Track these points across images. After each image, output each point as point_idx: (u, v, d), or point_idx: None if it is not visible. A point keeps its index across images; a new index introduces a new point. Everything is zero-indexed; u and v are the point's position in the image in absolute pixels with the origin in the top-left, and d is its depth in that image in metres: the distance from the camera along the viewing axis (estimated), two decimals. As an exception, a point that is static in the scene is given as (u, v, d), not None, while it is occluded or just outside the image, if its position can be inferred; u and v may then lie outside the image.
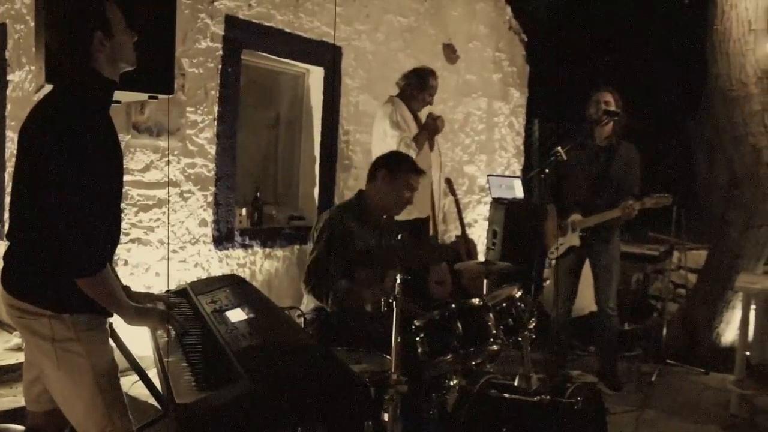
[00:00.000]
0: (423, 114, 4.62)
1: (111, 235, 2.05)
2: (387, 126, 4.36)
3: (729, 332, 4.64)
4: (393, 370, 2.35)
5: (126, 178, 3.86)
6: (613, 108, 4.07)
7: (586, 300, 4.60)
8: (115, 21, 1.99)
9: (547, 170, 3.97)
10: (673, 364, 4.66)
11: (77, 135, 1.86)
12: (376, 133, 4.53)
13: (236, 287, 2.72)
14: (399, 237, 2.73)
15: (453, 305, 2.74)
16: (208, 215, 4.33)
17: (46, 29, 2.01)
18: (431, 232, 5.21)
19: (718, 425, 3.73)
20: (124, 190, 3.78)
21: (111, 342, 2.15)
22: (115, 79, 2.05)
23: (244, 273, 4.52)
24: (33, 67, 3.36)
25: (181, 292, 2.77)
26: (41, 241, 1.90)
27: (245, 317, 2.29)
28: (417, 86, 4.52)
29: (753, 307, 3.93)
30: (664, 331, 4.80)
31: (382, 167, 3.31)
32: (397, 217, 4.54)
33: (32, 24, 3.28)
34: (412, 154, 4.34)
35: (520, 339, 2.89)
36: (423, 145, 4.45)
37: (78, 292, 1.90)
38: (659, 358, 4.64)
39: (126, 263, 3.90)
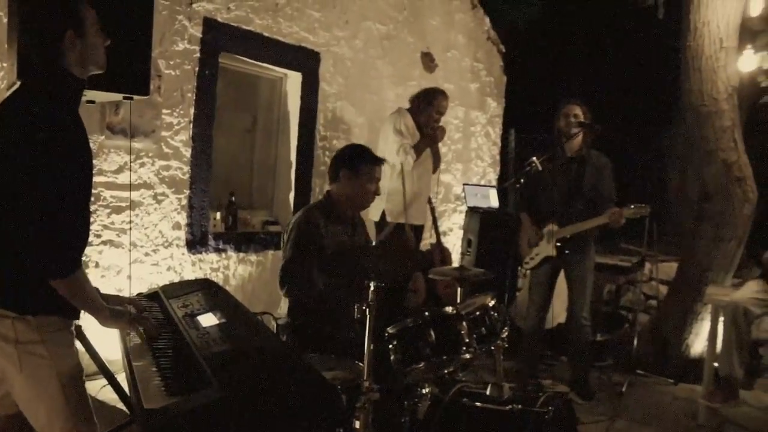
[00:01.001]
0: None
1: (82, 236, 2.01)
2: (390, 132, 4.63)
3: (698, 344, 4.70)
4: (365, 378, 2.34)
5: (99, 179, 3.81)
6: (582, 119, 4.12)
7: (554, 311, 4.63)
8: (89, 22, 1.97)
9: (522, 180, 4.01)
10: (644, 375, 4.71)
11: (45, 134, 1.82)
12: (381, 140, 4.76)
13: (209, 292, 2.69)
14: (374, 243, 2.72)
15: (426, 313, 2.73)
16: (182, 218, 4.28)
17: (18, 25, 1.98)
18: (434, 240, 5.29)
19: (686, 435, 3.78)
20: (96, 191, 3.75)
21: (78, 345, 2.11)
22: (84, 78, 2.02)
23: (218, 277, 4.48)
24: (5, 64, 3.30)
25: (153, 296, 2.73)
26: (12, 242, 1.86)
27: (217, 322, 2.26)
28: (425, 101, 4.71)
29: (721, 319, 3.99)
30: (635, 342, 4.85)
31: (342, 167, 3.27)
32: (391, 219, 4.61)
33: (5, 20, 3.22)
34: (410, 160, 4.49)
35: (492, 348, 2.90)
36: (422, 152, 4.65)
37: (43, 293, 1.85)
38: (630, 368, 4.68)
39: (97, 265, 3.84)
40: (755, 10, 4.68)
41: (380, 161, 3.35)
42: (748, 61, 4.78)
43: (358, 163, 3.26)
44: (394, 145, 4.54)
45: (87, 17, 1.97)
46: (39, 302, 1.89)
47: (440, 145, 4.97)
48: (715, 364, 3.99)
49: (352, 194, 3.28)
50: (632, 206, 3.95)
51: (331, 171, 3.34)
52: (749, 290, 4.01)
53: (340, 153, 3.41)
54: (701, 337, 4.65)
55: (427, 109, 4.67)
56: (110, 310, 2.03)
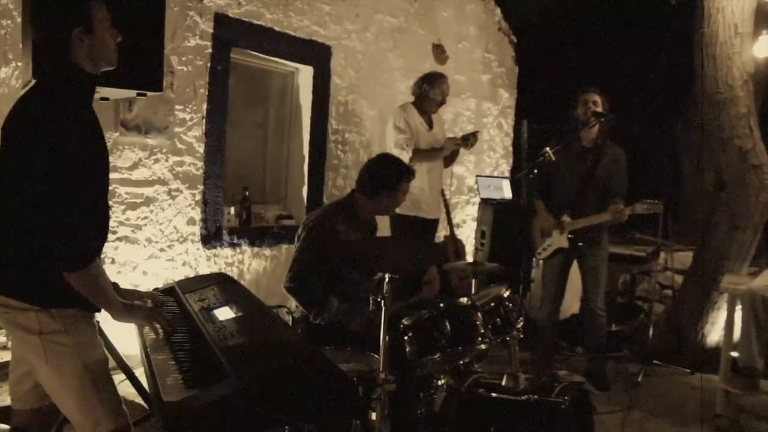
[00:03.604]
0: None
1: (99, 230, 2.03)
2: (390, 128, 4.70)
3: (714, 333, 4.67)
4: (381, 369, 2.35)
5: (114, 175, 3.83)
6: (600, 109, 4.08)
7: (566, 302, 4.61)
8: (99, 19, 1.99)
9: (535, 171, 3.98)
10: (660, 365, 4.68)
11: (60, 128, 1.85)
12: (387, 135, 4.82)
13: (224, 286, 2.70)
14: (390, 236, 2.73)
15: (441, 304, 2.74)
16: (197, 214, 4.31)
17: (30, 23, 2.00)
18: (447, 233, 5.29)
19: (704, 425, 3.75)
20: (111, 187, 3.78)
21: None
22: (96, 73, 2.05)
23: (233, 272, 4.51)
24: (20, 63, 3.33)
25: (169, 291, 2.75)
26: (28, 235, 1.88)
27: (233, 315, 2.28)
28: (424, 84, 4.74)
29: (738, 308, 3.96)
30: (651, 332, 4.83)
31: (384, 188, 3.25)
32: (401, 212, 4.63)
33: (19, 20, 3.25)
34: (405, 155, 4.46)
35: (508, 338, 2.90)
36: (425, 160, 4.66)
37: (65, 287, 1.88)
38: (646, 358, 4.66)
39: (113, 261, 3.87)
40: (770, -5, 4.62)
41: (414, 174, 3.39)
42: (764, 47, 4.72)
43: (397, 184, 3.29)
44: (392, 140, 4.63)
45: (96, 14, 1.99)
46: (62, 295, 1.91)
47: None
48: (734, 354, 3.96)
49: (388, 208, 3.38)
50: (645, 202, 3.92)
51: (368, 187, 3.28)
52: (766, 278, 3.97)
53: (380, 173, 3.30)
54: (717, 327, 4.62)
55: (428, 93, 4.70)
56: (123, 304, 2.05)
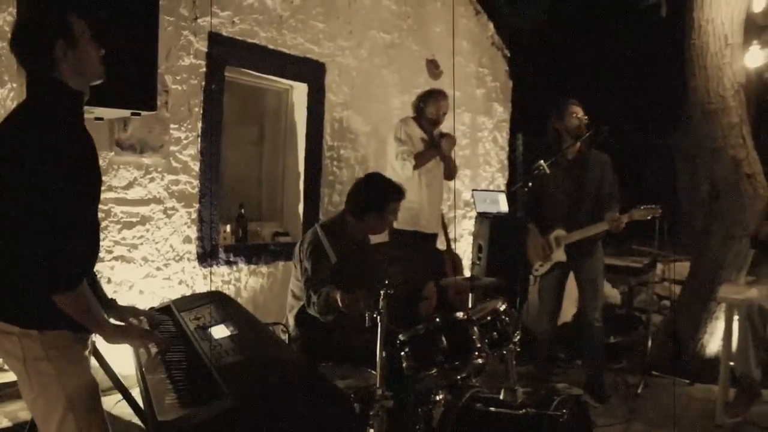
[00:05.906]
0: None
1: (89, 250, 2.00)
2: (392, 140, 4.73)
3: (713, 343, 4.66)
4: (378, 386, 2.34)
5: (109, 195, 3.84)
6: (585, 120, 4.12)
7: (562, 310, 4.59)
8: (79, 32, 1.96)
9: (530, 183, 3.99)
10: (659, 376, 4.67)
11: (46, 148, 1.82)
12: (387, 148, 4.86)
13: (220, 304, 2.70)
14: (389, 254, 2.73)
15: (438, 319, 2.73)
16: (192, 232, 4.31)
17: (12, 40, 1.98)
18: (445, 247, 5.28)
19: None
20: (107, 207, 3.79)
21: (92, 361, 2.11)
22: (83, 90, 2.00)
23: (229, 290, 4.49)
24: (15, 84, 3.34)
25: (165, 309, 2.74)
26: (15, 256, 1.86)
27: (229, 334, 2.27)
28: (422, 103, 4.77)
29: (736, 317, 3.96)
30: (650, 343, 4.82)
31: (371, 210, 3.22)
32: (400, 226, 4.62)
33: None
34: (408, 167, 4.48)
35: (505, 352, 2.89)
36: (426, 161, 4.67)
37: (48, 308, 1.84)
38: (645, 369, 4.65)
39: (109, 281, 3.86)
40: (759, 6, 4.66)
41: (403, 194, 3.33)
42: (755, 57, 4.75)
43: (384, 204, 3.24)
44: (393, 152, 4.65)
45: (77, 27, 1.96)
46: (44, 316, 1.87)
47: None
48: (731, 363, 3.95)
49: (375, 229, 3.35)
50: (642, 207, 3.92)
51: (356, 208, 3.26)
52: (763, 287, 3.97)
53: (365, 194, 3.28)
54: (716, 337, 4.61)
55: (425, 109, 4.72)
56: (115, 326, 2.01)
